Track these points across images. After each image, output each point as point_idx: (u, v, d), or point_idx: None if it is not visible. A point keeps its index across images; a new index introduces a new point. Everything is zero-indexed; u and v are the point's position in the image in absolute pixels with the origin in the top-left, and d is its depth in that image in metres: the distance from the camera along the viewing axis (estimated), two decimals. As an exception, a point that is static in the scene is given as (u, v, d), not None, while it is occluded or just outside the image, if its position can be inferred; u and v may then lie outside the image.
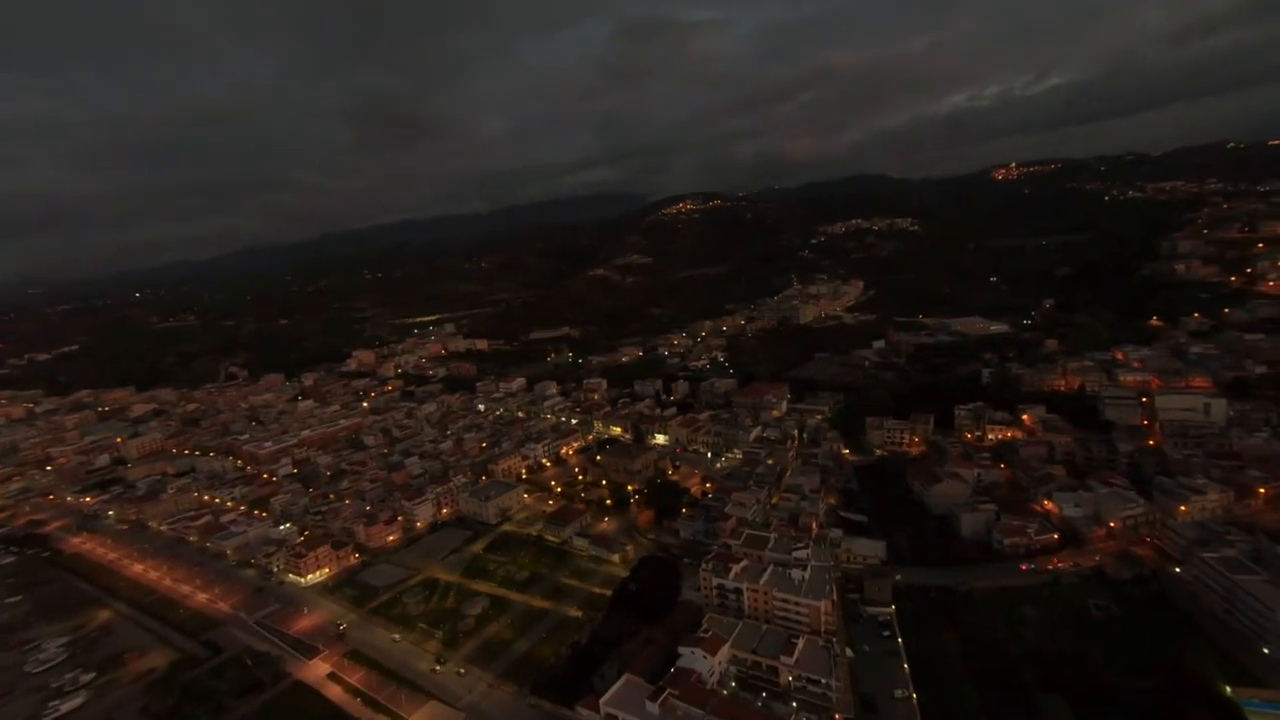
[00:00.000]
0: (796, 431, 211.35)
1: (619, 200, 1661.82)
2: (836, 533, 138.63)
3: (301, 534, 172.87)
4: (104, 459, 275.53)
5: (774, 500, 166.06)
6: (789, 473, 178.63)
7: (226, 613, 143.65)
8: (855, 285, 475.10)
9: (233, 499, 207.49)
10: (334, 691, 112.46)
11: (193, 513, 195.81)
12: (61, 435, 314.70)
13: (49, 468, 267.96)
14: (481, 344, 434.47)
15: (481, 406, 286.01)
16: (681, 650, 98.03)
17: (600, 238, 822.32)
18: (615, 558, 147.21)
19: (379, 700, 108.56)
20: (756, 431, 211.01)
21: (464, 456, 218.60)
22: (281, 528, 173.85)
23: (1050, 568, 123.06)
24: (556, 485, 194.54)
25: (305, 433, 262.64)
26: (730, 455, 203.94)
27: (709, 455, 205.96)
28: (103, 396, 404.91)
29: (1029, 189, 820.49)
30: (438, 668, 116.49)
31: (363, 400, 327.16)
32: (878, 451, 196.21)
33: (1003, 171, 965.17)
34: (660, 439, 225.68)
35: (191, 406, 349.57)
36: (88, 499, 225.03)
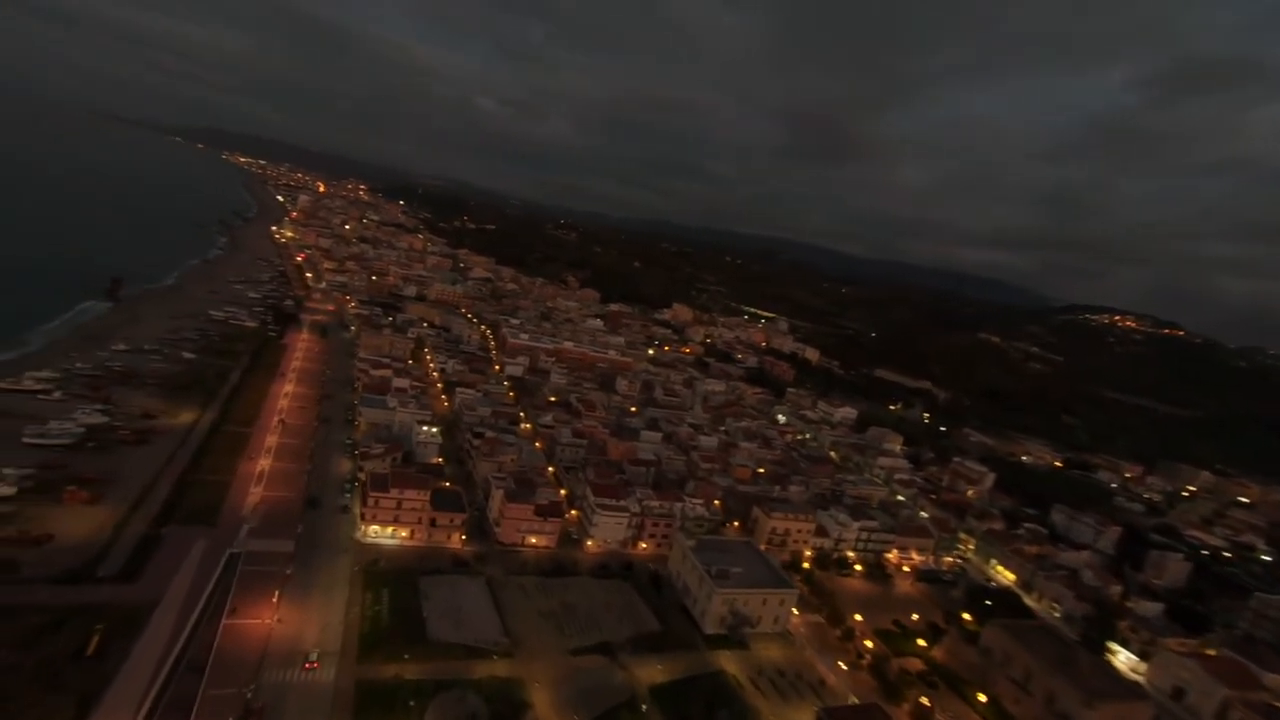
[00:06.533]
0: None
1: (1017, 293, 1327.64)
2: None
3: (439, 456, 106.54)
4: (412, 290, 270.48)
5: None
6: None
7: (242, 509, 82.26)
8: None
9: (441, 370, 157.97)
10: None
11: (388, 360, 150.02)
12: (410, 265, 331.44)
13: (374, 278, 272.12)
14: (811, 353, 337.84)
15: (782, 419, 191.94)
16: None
17: (986, 317, 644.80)
18: None
19: None
20: None
21: (724, 471, 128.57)
22: (425, 428, 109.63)
23: None
24: (863, 632, 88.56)
25: (568, 344, 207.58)
26: None
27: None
28: (470, 257, 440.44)
29: None
30: None
31: (650, 347, 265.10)
32: None
33: None
34: (1125, 660, 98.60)
35: (511, 286, 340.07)
36: (353, 305, 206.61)
